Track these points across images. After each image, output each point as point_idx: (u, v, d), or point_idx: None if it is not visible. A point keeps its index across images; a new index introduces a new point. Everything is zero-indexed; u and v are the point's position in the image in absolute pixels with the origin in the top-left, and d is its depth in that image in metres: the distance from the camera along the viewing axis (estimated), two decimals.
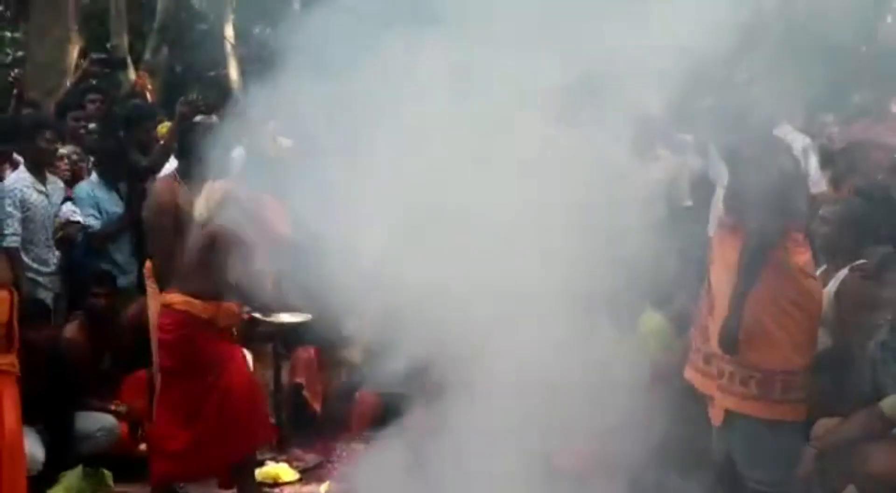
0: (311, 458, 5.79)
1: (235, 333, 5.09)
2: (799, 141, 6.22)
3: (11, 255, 5.21)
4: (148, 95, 9.31)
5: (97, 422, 5.46)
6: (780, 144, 4.37)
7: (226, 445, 4.83)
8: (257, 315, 5.48)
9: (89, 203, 6.38)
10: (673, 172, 6.55)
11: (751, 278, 3.94)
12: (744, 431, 4.02)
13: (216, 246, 4.70)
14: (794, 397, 3.96)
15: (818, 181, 6.13)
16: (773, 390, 3.94)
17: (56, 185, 6.19)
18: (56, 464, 5.13)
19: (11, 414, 4.25)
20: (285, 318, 5.61)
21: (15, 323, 4.29)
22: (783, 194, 3.94)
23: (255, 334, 5.93)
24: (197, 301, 4.76)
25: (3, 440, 4.14)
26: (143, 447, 5.57)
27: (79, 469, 5.16)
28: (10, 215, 5.73)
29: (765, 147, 4.06)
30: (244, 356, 5.10)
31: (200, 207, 4.87)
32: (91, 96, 7.67)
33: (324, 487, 5.36)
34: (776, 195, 3.90)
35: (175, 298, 4.85)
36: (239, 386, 4.84)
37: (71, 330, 5.59)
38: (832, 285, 4.44)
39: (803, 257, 4.04)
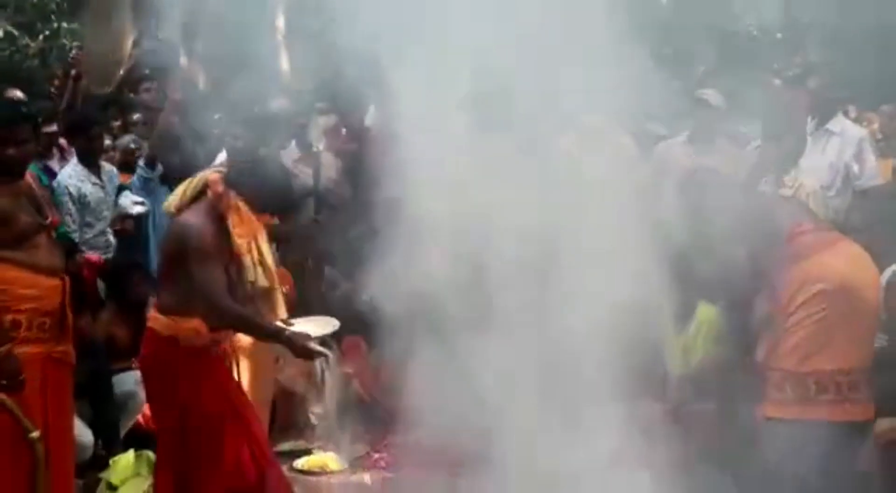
0: (359, 448, 5.83)
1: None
2: (855, 133, 6.18)
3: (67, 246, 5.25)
4: (199, 86, 9.38)
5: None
6: None
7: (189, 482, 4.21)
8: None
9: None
10: (733, 165, 6.48)
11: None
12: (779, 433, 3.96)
13: (180, 249, 4.10)
14: (832, 398, 3.87)
15: (874, 175, 6.07)
16: (807, 391, 3.86)
17: (111, 173, 6.28)
18: (104, 448, 5.30)
19: (64, 404, 4.30)
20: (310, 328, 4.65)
21: (68, 312, 4.33)
22: None
23: None
24: (160, 317, 4.18)
25: (54, 430, 4.19)
26: None
27: (130, 453, 5.25)
28: (68, 211, 5.85)
29: None
30: (220, 388, 4.28)
31: (173, 198, 4.30)
32: (145, 85, 7.74)
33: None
34: None
35: (151, 313, 4.30)
36: (195, 427, 4.16)
37: (106, 317, 5.69)
38: (882, 280, 4.35)
39: (821, 255, 3.96)
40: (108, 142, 7.10)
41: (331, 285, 6.41)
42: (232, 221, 4.13)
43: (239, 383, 4.54)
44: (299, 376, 5.96)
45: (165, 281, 4.23)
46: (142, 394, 5.47)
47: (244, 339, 5.42)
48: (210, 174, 4.27)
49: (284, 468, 5.58)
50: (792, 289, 3.95)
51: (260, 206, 4.25)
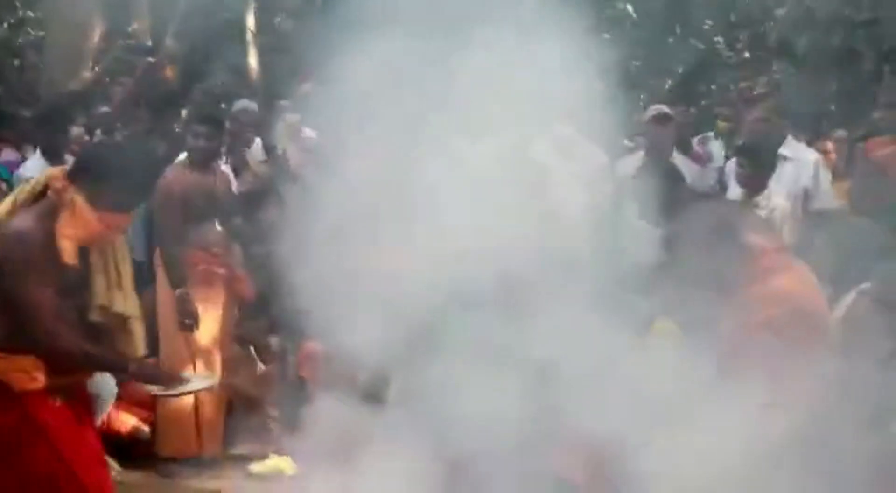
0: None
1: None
2: (809, 157, 6.22)
3: None
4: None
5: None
6: None
7: None
8: (156, 391, 3.67)
9: None
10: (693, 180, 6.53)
11: None
12: None
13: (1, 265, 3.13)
14: None
15: (829, 198, 6.12)
16: None
17: None
18: None
19: None
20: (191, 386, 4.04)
21: None
22: None
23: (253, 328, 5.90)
24: None
25: None
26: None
27: None
28: None
29: None
30: (57, 452, 3.29)
31: (2, 207, 3.34)
32: (120, 79, 7.72)
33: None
34: None
35: None
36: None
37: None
38: (839, 311, 4.38)
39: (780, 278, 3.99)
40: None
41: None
42: (61, 219, 3.18)
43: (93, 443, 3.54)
44: (256, 379, 5.96)
45: None
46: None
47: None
48: (50, 170, 3.43)
49: (240, 472, 5.59)
50: (749, 308, 3.96)
51: (112, 200, 3.24)
